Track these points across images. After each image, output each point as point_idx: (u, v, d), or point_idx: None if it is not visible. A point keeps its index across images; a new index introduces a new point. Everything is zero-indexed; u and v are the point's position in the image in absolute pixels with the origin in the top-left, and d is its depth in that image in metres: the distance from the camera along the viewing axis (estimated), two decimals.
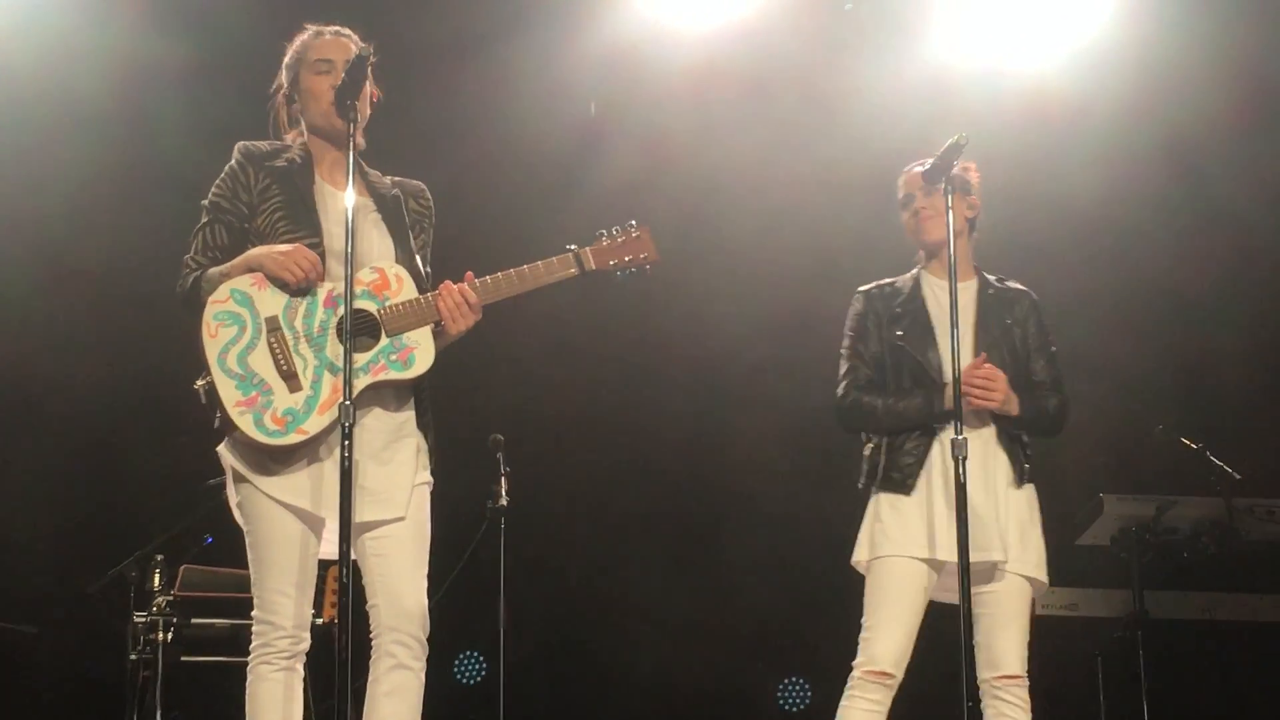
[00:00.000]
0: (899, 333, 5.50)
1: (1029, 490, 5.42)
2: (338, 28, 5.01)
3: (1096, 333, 8.52)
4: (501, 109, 8.25)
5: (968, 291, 5.52)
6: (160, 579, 7.34)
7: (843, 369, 5.57)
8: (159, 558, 7.39)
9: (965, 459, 5.09)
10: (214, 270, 4.79)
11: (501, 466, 7.46)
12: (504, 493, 7.42)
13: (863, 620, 5.38)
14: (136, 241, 7.75)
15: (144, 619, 7.28)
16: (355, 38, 4.98)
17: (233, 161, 4.92)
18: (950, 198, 5.29)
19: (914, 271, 5.64)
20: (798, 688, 9.53)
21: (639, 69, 8.17)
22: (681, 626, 9.23)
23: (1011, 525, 5.32)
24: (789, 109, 8.29)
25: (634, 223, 5.01)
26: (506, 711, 7.41)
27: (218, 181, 4.91)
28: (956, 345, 5.21)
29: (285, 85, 5.02)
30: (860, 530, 5.48)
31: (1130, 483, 8.06)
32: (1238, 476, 7.64)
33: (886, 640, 5.29)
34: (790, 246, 8.56)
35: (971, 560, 5.13)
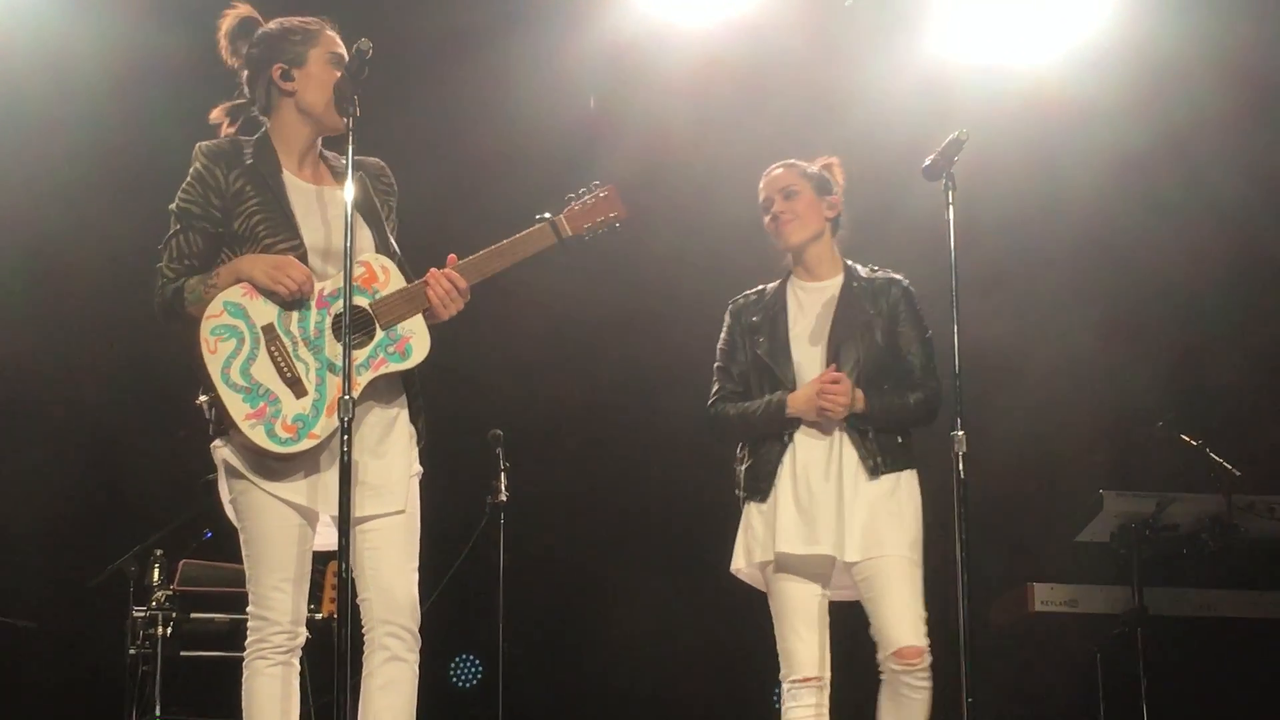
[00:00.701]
0: (759, 340, 5.60)
1: (889, 481, 5.41)
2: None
3: (1095, 329, 8.52)
4: (501, 103, 8.24)
5: (831, 289, 5.61)
6: (159, 574, 7.35)
7: (713, 385, 5.72)
8: (158, 552, 7.40)
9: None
10: (195, 280, 4.73)
11: (501, 462, 7.46)
12: (503, 488, 7.42)
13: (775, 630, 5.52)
14: (135, 236, 7.69)
15: (143, 614, 7.29)
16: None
17: (198, 165, 4.82)
18: (951, 194, 5.28)
19: (783, 278, 5.73)
20: None
21: (639, 64, 8.17)
22: (681, 623, 9.22)
23: (858, 519, 5.35)
24: (788, 105, 8.28)
25: (598, 182, 5.03)
26: (505, 706, 7.41)
27: (184, 186, 4.81)
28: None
29: (283, 60, 4.89)
30: (736, 538, 5.64)
31: (1130, 479, 8.06)
32: (1237, 473, 7.65)
33: (797, 646, 5.41)
34: None
35: (807, 553, 5.36)
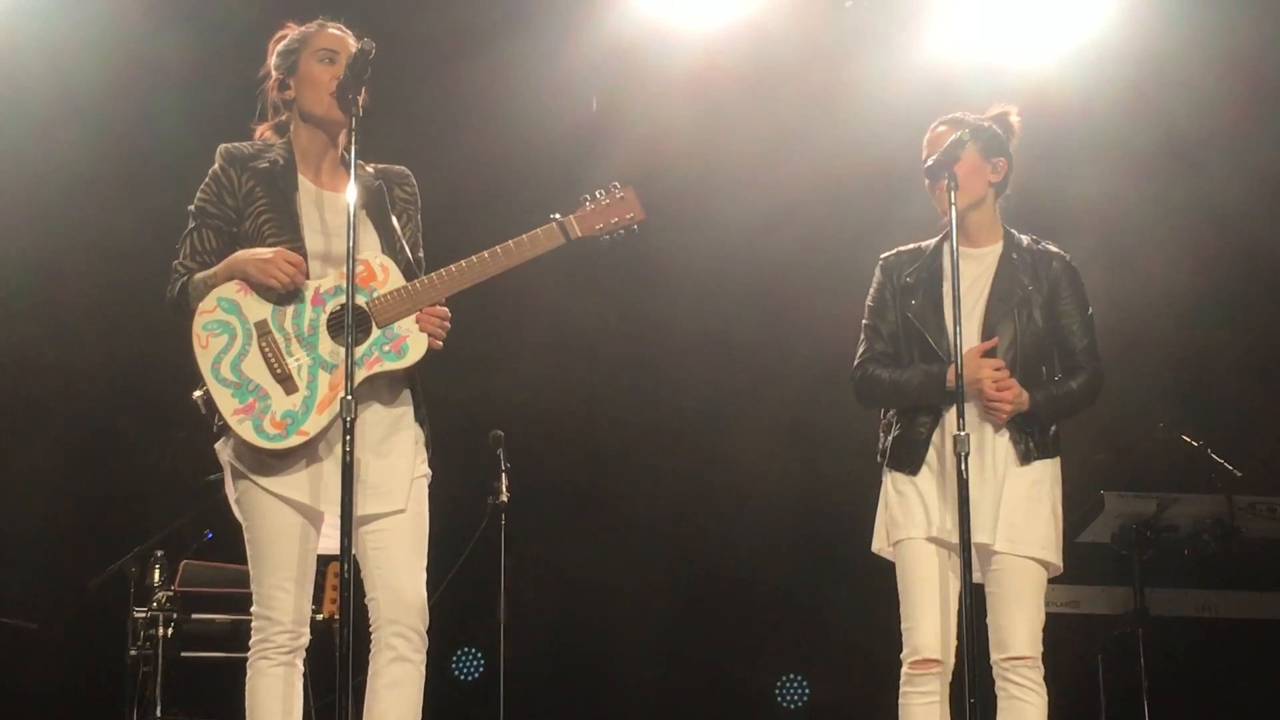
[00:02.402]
0: (912, 303, 5.38)
1: (1037, 468, 5.24)
2: (341, 25, 5.00)
3: (1097, 329, 8.50)
4: (503, 104, 8.25)
5: (989, 257, 5.38)
6: (160, 574, 7.34)
7: (860, 344, 5.47)
8: (159, 553, 7.39)
9: (967, 454, 5.00)
10: (199, 276, 4.77)
11: (502, 463, 7.46)
12: (504, 489, 7.42)
13: (900, 611, 5.30)
14: (136, 235, 7.74)
15: (144, 614, 7.28)
16: (353, 36, 4.96)
17: (215, 165, 4.89)
18: (953, 194, 5.13)
19: (939, 236, 5.46)
20: (795, 685, 9.52)
21: (641, 65, 8.18)
22: (682, 622, 9.23)
23: (1007, 507, 5.18)
24: (790, 105, 8.29)
25: (617, 184, 4.94)
26: (506, 707, 7.41)
27: (202, 185, 4.89)
28: (958, 339, 5.10)
29: (279, 71, 4.96)
30: (877, 514, 5.42)
31: (1131, 480, 8.05)
32: (1238, 473, 7.65)
33: (923, 627, 5.20)
34: (791, 242, 8.56)
35: (959, 541, 5.09)
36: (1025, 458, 5.23)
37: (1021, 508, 5.20)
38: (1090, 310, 5.45)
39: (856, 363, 5.45)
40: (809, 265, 8.42)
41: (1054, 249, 5.41)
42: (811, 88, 8.19)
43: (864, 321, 5.50)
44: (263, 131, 5.04)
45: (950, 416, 5.18)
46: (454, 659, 9.26)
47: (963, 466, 5.00)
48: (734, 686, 9.30)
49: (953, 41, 8.01)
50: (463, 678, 9.28)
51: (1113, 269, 8.50)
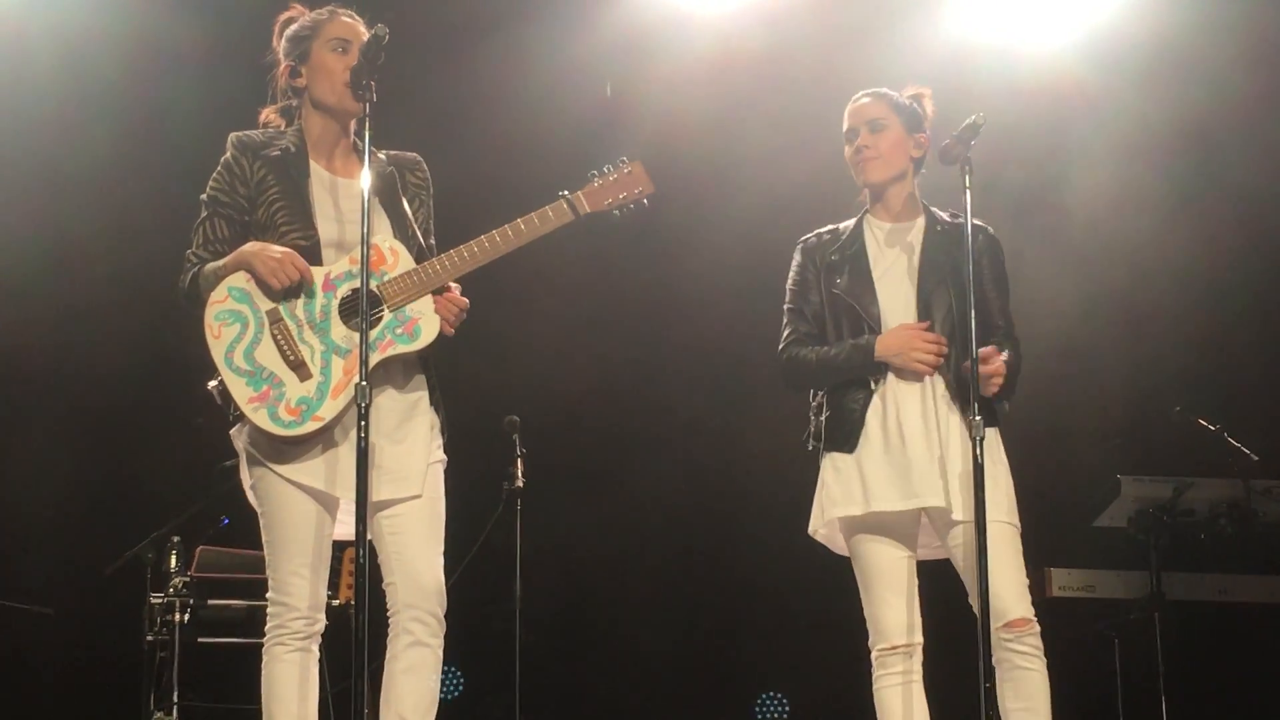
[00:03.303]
0: (838, 281, 5.28)
1: (988, 435, 5.05)
2: (352, 13, 4.99)
3: (1113, 314, 8.51)
4: (517, 90, 8.25)
5: (912, 231, 5.32)
6: (176, 560, 7.35)
7: (784, 329, 5.37)
8: (175, 539, 7.40)
9: (982, 439, 4.92)
10: (210, 267, 4.78)
11: (517, 448, 7.47)
12: (519, 474, 7.43)
13: (861, 597, 5.23)
14: (151, 224, 7.74)
15: (160, 600, 7.29)
16: (364, 24, 4.96)
17: (227, 154, 4.89)
18: (968, 177, 5.07)
19: (858, 216, 5.42)
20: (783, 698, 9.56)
21: (655, 51, 8.17)
22: (697, 606, 9.24)
23: (958, 471, 5.05)
24: (804, 90, 8.26)
25: (624, 159, 4.94)
26: (522, 692, 7.42)
27: (214, 174, 4.89)
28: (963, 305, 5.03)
29: (291, 59, 4.95)
30: (814, 498, 5.33)
31: (1147, 464, 8.04)
32: (1255, 458, 7.64)
33: (887, 615, 5.13)
34: (806, 227, 8.53)
35: (905, 508, 5.07)
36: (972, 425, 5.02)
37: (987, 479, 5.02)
38: (1008, 285, 5.36)
39: (781, 346, 5.35)
40: None
41: (977, 222, 5.21)
42: (825, 73, 8.14)
43: (786, 305, 5.40)
44: (267, 115, 5.04)
45: (888, 385, 5.14)
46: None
47: (978, 453, 4.91)
48: (747, 669, 9.32)
49: (967, 27, 8.00)
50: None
51: (1128, 253, 8.50)
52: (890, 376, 5.17)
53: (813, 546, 8.41)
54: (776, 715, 9.57)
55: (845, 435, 5.20)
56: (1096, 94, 8.15)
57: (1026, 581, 5.09)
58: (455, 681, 9.30)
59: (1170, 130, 8.14)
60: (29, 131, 7.93)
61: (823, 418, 5.28)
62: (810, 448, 5.35)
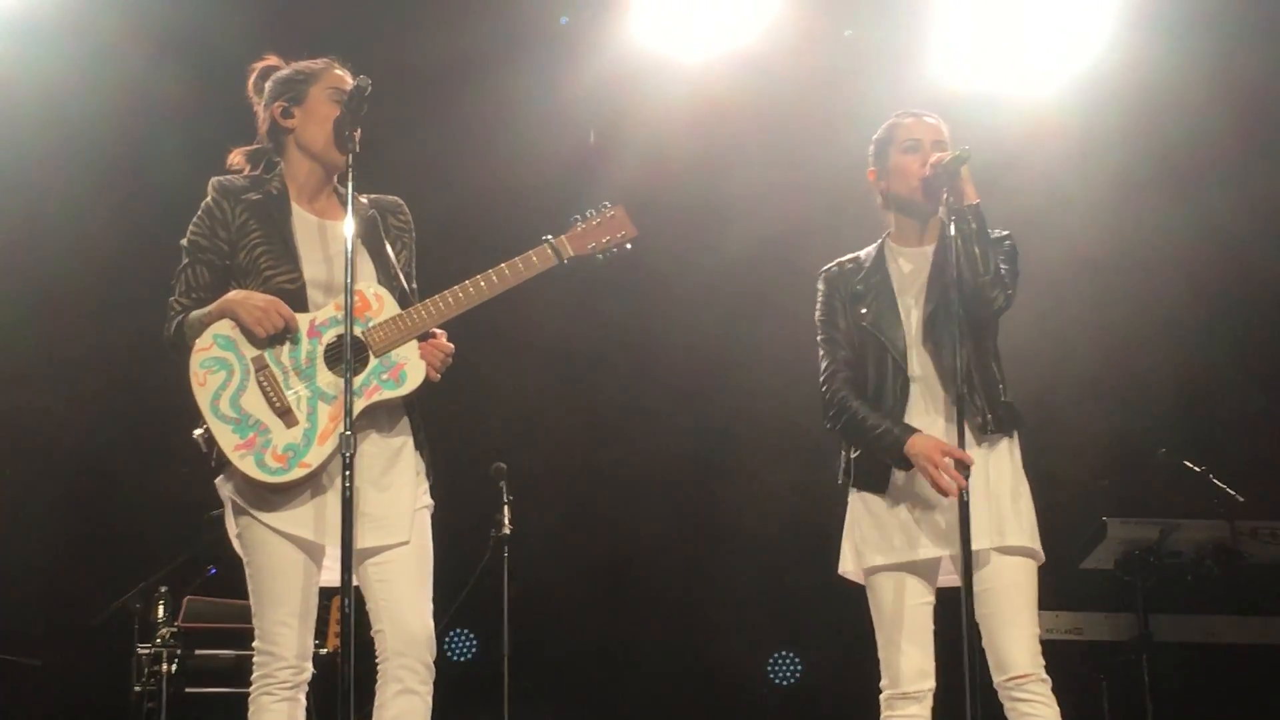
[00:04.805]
0: (863, 311, 5.25)
1: (1003, 446, 5.11)
2: (346, 68, 5.00)
3: (1098, 355, 8.53)
4: (502, 136, 8.28)
5: (926, 255, 5.28)
6: (164, 610, 7.35)
7: (821, 360, 5.32)
8: (163, 589, 7.40)
9: (969, 495, 4.86)
10: (194, 315, 4.78)
11: (504, 495, 7.46)
12: (507, 521, 7.42)
13: (876, 639, 5.19)
14: (134, 269, 7.76)
15: (148, 650, 7.29)
16: (351, 76, 4.97)
17: (208, 199, 4.89)
18: (949, 202, 5.06)
19: (877, 243, 5.39)
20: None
21: (639, 97, 8.20)
22: (686, 651, 9.23)
23: (996, 501, 5.03)
24: (788, 136, 8.31)
25: (608, 203, 4.97)
26: None
27: (195, 220, 4.89)
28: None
29: (284, 99, 4.95)
30: (844, 534, 5.26)
31: (1133, 506, 8.05)
32: (1241, 499, 7.64)
33: (900, 660, 5.08)
34: (790, 273, 8.56)
35: (937, 555, 5.02)
36: (983, 429, 5.05)
37: (1003, 497, 5.06)
38: (1010, 242, 5.27)
39: (823, 380, 5.30)
40: (809, 295, 8.42)
41: (1002, 232, 5.23)
42: (809, 118, 8.21)
43: (819, 337, 5.36)
44: (234, 157, 5.04)
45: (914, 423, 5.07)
46: (445, 640, 9.26)
47: (965, 499, 4.87)
48: (739, 712, 9.31)
49: (951, 71, 8.03)
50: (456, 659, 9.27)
51: (1113, 296, 8.53)
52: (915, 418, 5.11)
53: (797, 582, 8.42)
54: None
55: (878, 477, 5.16)
56: (1079, 138, 8.19)
57: (1038, 632, 5.08)
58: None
59: (1152, 174, 8.19)
60: (11, 175, 7.94)
61: (854, 455, 5.24)
62: (839, 482, 5.31)
